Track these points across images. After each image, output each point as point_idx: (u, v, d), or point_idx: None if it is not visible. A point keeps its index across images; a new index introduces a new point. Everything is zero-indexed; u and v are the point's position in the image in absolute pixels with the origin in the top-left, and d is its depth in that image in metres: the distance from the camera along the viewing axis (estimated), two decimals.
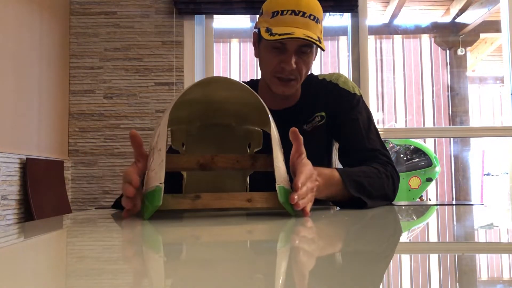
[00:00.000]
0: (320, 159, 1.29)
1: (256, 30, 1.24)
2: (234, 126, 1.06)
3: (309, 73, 1.31)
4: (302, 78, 1.21)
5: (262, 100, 0.91)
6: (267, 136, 0.93)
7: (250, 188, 1.06)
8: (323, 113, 1.27)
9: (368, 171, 1.11)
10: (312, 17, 1.13)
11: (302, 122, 1.26)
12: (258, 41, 1.24)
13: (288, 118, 1.24)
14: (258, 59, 1.26)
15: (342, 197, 1.03)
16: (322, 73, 1.33)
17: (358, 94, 1.28)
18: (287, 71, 1.16)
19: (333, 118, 1.26)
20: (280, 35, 1.10)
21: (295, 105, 1.28)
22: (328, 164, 1.33)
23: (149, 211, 0.80)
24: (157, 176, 0.80)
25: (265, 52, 1.20)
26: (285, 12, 1.12)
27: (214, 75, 3.12)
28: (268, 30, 1.13)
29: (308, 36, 1.10)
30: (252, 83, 1.35)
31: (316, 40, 1.11)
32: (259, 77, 1.38)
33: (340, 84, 1.28)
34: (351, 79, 1.37)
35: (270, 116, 0.91)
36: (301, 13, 1.12)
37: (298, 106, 1.28)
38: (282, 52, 1.16)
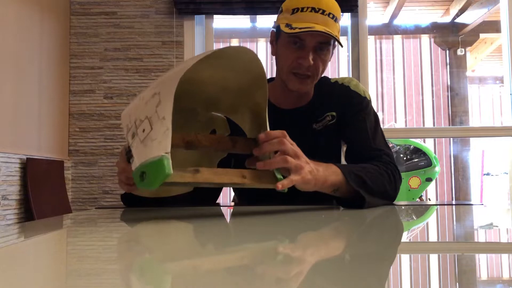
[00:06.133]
0: (329, 158, 1.31)
1: (274, 29, 1.27)
2: (198, 112, 1.04)
3: (323, 75, 1.33)
4: (318, 76, 1.23)
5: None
6: (234, 126, 0.99)
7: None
8: (334, 113, 1.29)
9: (368, 167, 1.11)
10: (331, 16, 1.16)
11: (312, 122, 1.29)
12: (276, 39, 1.26)
13: (298, 117, 1.28)
14: (275, 57, 1.29)
15: (346, 190, 1.04)
16: (335, 77, 1.36)
17: (368, 98, 1.31)
18: (304, 67, 1.18)
19: (342, 118, 1.29)
20: (300, 28, 1.13)
21: (307, 105, 1.30)
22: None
23: (158, 179, 0.75)
24: (161, 146, 0.75)
25: (283, 48, 1.22)
26: (305, 9, 1.15)
27: None
28: (288, 25, 1.16)
29: (328, 31, 1.13)
30: None
31: (335, 37, 1.15)
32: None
33: (351, 87, 1.30)
34: None
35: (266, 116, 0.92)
36: (320, 11, 1.15)
37: (309, 106, 1.30)
38: (300, 48, 1.18)
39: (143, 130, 0.79)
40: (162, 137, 0.76)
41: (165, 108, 0.77)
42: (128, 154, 0.82)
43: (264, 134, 0.89)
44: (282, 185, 0.86)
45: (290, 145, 0.91)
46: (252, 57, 0.87)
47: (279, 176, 0.90)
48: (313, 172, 0.94)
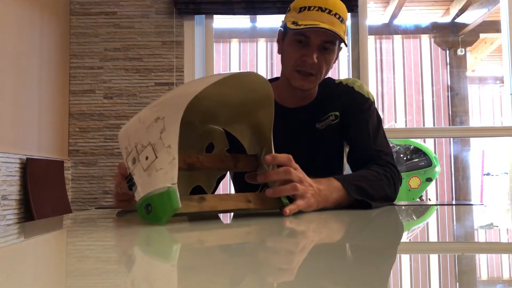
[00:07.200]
0: (331, 158, 1.33)
1: (281, 28, 1.28)
2: (196, 125, 1.02)
3: (327, 76, 1.33)
4: (321, 75, 1.24)
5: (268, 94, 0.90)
6: (231, 137, 1.00)
7: (247, 190, 1.07)
8: (337, 113, 1.30)
9: (367, 175, 1.11)
10: (337, 16, 1.17)
11: (315, 120, 1.30)
12: (282, 37, 1.28)
13: (302, 116, 1.30)
14: (280, 55, 1.30)
15: (348, 202, 1.04)
16: (339, 78, 1.37)
17: (372, 100, 1.32)
18: (308, 65, 1.20)
19: (345, 118, 1.30)
20: (306, 25, 1.14)
21: (310, 104, 1.31)
22: (339, 164, 1.36)
23: (166, 215, 0.73)
24: (167, 176, 0.73)
25: (288, 46, 1.23)
26: (312, 8, 1.17)
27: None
28: (294, 23, 1.17)
29: (333, 30, 1.14)
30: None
31: (339, 36, 1.16)
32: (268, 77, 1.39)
33: (355, 88, 1.32)
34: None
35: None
36: (327, 10, 1.17)
37: (313, 105, 1.31)
38: (305, 46, 1.19)
39: (146, 158, 0.75)
40: (168, 167, 0.73)
41: (171, 136, 0.74)
42: (129, 182, 0.78)
43: (271, 157, 0.88)
44: (290, 210, 0.87)
45: (295, 170, 0.91)
46: (260, 79, 0.86)
47: (285, 200, 0.91)
48: (315, 195, 0.94)
